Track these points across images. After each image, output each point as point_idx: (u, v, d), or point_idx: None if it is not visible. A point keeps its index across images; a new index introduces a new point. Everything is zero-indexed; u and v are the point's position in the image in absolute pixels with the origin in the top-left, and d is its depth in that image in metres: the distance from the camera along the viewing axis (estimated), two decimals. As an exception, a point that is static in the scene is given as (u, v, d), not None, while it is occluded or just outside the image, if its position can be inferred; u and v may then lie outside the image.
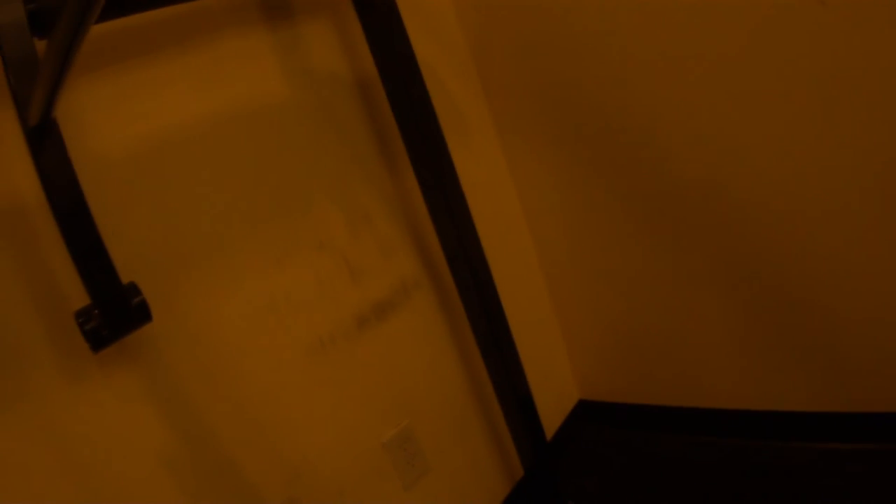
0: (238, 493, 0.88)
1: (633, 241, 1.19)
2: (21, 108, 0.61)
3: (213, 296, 0.86)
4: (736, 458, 1.17)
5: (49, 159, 0.64)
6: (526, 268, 1.37)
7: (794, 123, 0.93)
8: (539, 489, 1.23)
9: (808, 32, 0.86)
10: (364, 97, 1.07)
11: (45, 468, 0.70)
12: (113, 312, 0.68)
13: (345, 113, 1.04)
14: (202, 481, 0.84)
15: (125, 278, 0.71)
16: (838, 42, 0.84)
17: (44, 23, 0.59)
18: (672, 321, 1.21)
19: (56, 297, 0.72)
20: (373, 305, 1.06)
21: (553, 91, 1.16)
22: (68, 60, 0.41)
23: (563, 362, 1.46)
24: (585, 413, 1.47)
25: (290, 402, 0.95)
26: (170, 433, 0.81)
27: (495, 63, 1.24)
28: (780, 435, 1.15)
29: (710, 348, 1.18)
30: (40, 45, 0.61)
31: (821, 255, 0.98)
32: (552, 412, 1.40)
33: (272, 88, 0.95)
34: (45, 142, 0.63)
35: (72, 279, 0.71)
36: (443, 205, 0.99)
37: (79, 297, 0.71)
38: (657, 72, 1.02)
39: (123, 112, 0.80)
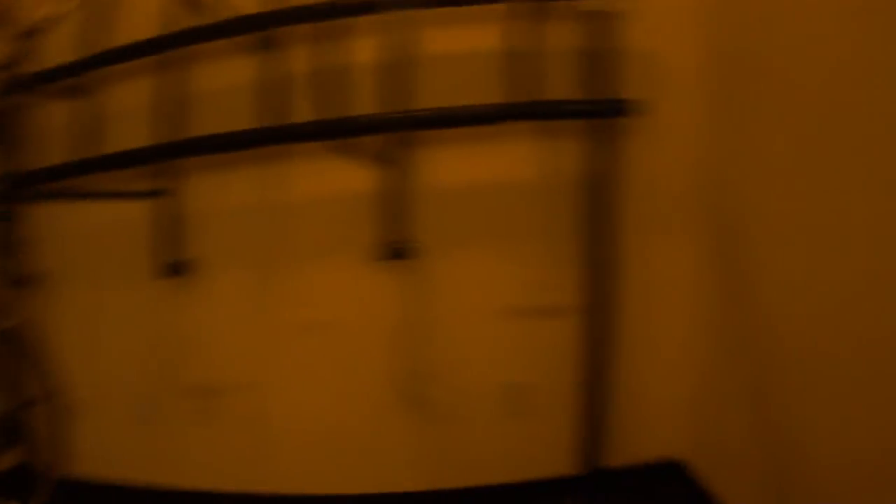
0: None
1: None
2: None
3: (457, 261, 1.58)
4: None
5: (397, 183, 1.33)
6: (678, 341, 1.65)
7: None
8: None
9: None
10: (579, 191, 1.53)
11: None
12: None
13: (565, 197, 1.55)
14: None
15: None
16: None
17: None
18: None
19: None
20: (537, 308, 1.58)
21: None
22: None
23: (678, 423, 1.66)
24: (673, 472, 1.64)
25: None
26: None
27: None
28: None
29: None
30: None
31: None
32: (639, 451, 1.65)
33: (527, 171, 1.57)
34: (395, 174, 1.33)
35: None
36: (597, 272, 1.46)
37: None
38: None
39: (444, 167, 1.55)
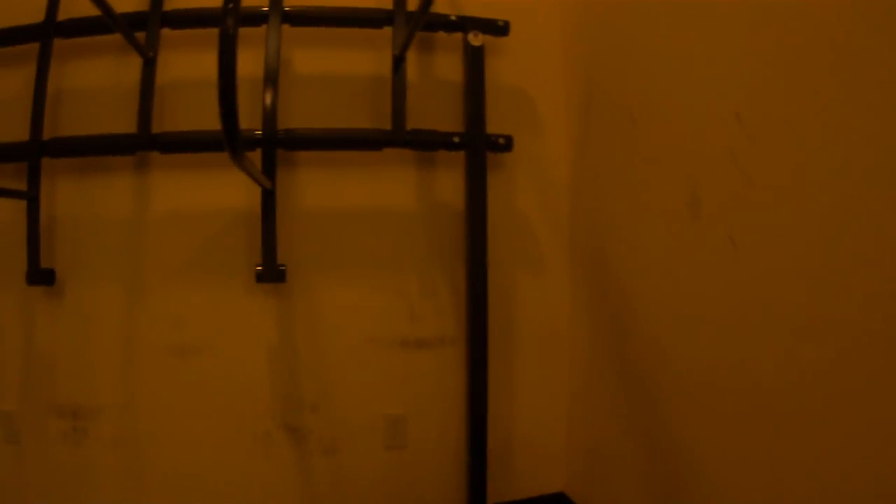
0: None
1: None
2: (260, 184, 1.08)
3: (333, 287, 1.54)
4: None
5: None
6: (555, 370, 1.65)
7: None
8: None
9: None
10: (457, 222, 1.56)
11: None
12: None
13: (442, 228, 1.57)
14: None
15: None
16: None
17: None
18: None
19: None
20: (416, 339, 1.57)
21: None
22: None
23: (557, 455, 1.65)
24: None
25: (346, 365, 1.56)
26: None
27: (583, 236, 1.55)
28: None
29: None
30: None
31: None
32: (522, 486, 1.63)
33: (405, 200, 1.56)
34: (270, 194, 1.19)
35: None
36: (472, 305, 1.48)
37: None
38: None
39: (320, 190, 1.51)
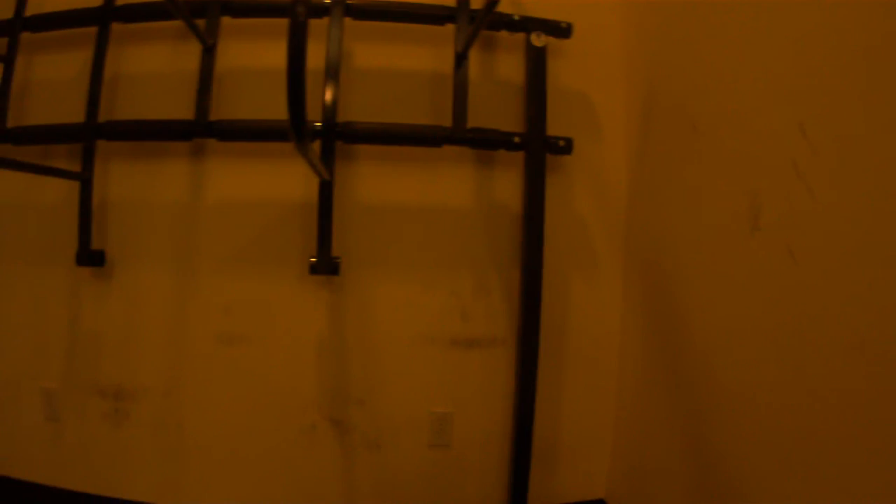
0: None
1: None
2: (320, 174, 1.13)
3: (386, 283, 1.53)
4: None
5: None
6: (603, 377, 1.62)
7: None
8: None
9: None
10: (512, 223, 1.55)
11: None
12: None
13: (498, 228, 1.55)
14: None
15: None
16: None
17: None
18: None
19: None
20: (466, 338, 1.56)
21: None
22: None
23: (600, 462, 1.63)
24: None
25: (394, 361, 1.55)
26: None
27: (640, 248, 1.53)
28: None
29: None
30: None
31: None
32: (563, 490, 1.61)
33: (461, 199, 1.54)
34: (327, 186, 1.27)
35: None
36: (526, 307, 1.47)
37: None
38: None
39: (377, 184, 1.52)
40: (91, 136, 1.45)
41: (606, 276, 1.60)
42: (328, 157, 1.40)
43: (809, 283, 0.92)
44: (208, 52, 1.45)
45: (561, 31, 1.48)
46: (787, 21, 0.98)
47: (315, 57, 1.41)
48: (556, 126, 1.50)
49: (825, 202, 0.89)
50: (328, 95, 1.38)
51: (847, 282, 0.84)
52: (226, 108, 1.49)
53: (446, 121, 1.44)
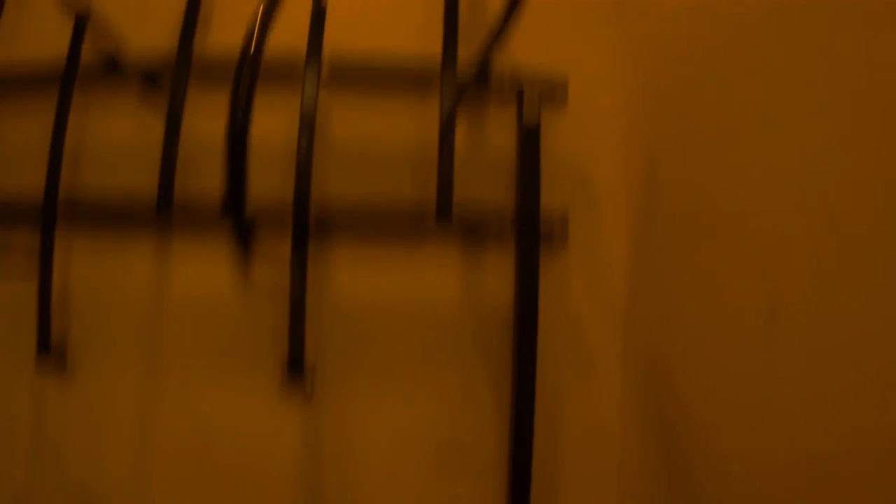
0: None
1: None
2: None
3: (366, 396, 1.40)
4: None
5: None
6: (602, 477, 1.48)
7: None
8: None
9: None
10: (502, 314, 1.39)
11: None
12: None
13: (487, 321, 1.40)
14: None
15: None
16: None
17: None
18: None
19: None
20: (455, 445, 1.40)
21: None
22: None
23: None
24: None
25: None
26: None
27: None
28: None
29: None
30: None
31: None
32: None
33: (448, 291, 1.41)
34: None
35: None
36: (516, 421, 1.29)
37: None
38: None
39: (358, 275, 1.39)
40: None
41: (604, 374, 1.46)
42: (300, 251, 1.25)
43: (833, 387, 0.80)
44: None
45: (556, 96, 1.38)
46: (812, 104, 0.85)
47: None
48: (549, 199, 1.33)
49: (853, 302, 0.77)
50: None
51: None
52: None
53: (431, 188, 1.31)
